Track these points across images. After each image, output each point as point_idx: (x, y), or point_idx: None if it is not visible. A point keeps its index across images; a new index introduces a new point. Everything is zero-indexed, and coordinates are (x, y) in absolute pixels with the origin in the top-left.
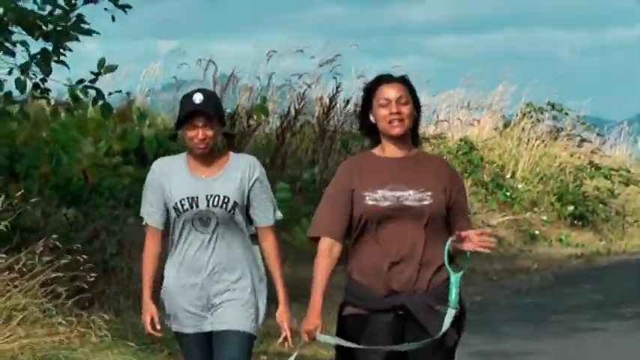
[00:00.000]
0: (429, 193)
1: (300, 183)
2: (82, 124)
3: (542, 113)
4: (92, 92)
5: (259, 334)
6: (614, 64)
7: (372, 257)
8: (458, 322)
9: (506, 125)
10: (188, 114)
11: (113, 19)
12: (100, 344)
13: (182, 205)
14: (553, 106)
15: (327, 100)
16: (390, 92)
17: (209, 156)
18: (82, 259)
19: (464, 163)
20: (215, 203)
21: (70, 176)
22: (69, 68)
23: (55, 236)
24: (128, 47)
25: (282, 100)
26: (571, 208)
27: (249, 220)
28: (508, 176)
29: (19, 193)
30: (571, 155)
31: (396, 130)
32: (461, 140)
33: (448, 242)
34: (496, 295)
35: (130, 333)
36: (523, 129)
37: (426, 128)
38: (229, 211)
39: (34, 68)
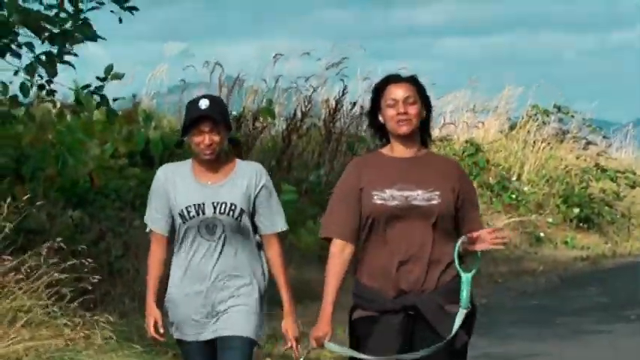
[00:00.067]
0: (438, 193)
1: (306, 185)
2: (87, 126)
3: (547, 116)
4: (97, 97)
5: (262, 340)
6: (620, 67)
7: (380, 258)
8: (468, 323)
9: (512, 127)
10: (194, 119)
11: (120, 20)
12: (104, 346)
13: (188, 212)
14: (559, 108)
15: (333, 103)
16: (398, 92)
17: (215, 162)
18: (87, 262)
19: (469, 165)
20: (222, 210)
21: (75, 178)
22: (74, 68)
23: (60, 238)
24: (134, 49)
25: (288, 103)
26: (577, 210)
27: (255, 228)
28: (514, 178)
29: (26, 196)
30: (577, 158)
31: (403, 130)
32: (467, 142)
33: (458, 243)
34: (501, 297)
35: (135, 335)
36: (529, 131)
37: (432, 130)
38: (236, 218)
39: (40, 70)
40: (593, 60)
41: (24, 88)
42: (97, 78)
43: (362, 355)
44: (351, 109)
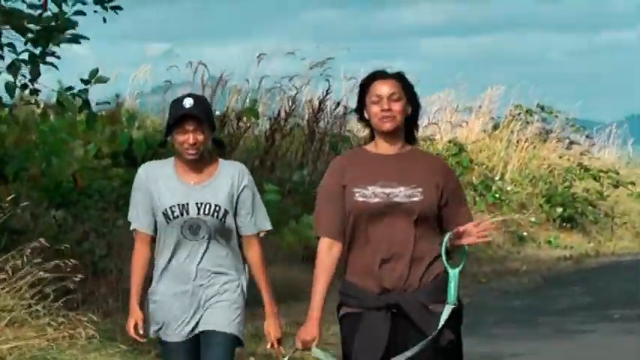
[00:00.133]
0: (420, 190)
1: (290, 185)
2: (71, 126)
3: (531, 115)
4: (79, 100)
5: (245, 337)
6: (604, 67)
7: (363, 256)
8: (455, 320)
9: (495, 127)
10: (178, 118)
11: (104, 20)
12: (88, 345)
13: (172, 212)
14: (542, 108)
15: (316, 103)
16: (383, 89)
17: (198, 162)
18: (70, 262)
19: (453, 165)
20: (206, 212)
21: (59, 179)
22: (57, 69)
23: (43, 238)
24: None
25: (271, 103)
26: (560, 209)
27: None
28: (497, 178)
29: (10, 197)
30: (560, 157)
31: (387, 126)
32: (450, 142)
33: (445, 239)
34: (485, 297)
35: (119, 334)
36: (512, 131)
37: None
38: (220, 219)
39: (23, 69)
40: (577, 60)
41: (9, 88)
42: (82, 80)
43: None
44: (335, 109)
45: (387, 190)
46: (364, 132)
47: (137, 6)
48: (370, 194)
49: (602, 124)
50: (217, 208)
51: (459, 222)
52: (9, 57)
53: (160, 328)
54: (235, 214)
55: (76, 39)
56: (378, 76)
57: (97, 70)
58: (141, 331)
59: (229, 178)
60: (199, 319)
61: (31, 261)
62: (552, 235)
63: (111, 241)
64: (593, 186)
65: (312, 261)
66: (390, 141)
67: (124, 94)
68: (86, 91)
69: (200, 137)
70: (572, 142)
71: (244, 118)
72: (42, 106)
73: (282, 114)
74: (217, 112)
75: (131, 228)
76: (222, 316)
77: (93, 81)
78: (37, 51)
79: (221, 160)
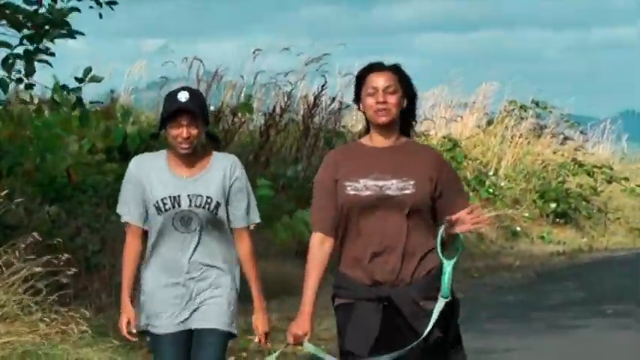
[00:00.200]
0: (412, 182)
1: (284, 180)
2: (65, 121)
3: (525, 111)
4: (73, 97)
5: (238, 332)
6: (601, 64)
7: (354, 250)
8: (450, 313)
9: (489, 123)
10: (173, 112)
11: (100, 16)
12: (80, 341)
13: (164, 205)
14: (537, 103)
15: (311, 98)
16: (379, 81)
17: (192, 156)
18: (63, 257)
19: (447, 160)
20: (198, 204)
21: (53, 174)
22: (52, 66)
23: (37, 233)
24: (113, 45)
25: (266, 98)
26: (553, 205)
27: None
28: (491, 173)
29: (4, 192)
30: (554, 153)
31: (382, 119)
32: (444, 137)
33: (441, 229)
34: (478, 292)
35: (111, 330)
36: (506, 127)
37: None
38: (212, 211)
39: (18, 64)
40: (573, 57)
41: (2, 84)
42: (76, 79)
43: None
44: (330, 105)
45: (380, 183)
46: (359, 127)
47: (132, 2)
48: (362, 187)
49: (596, 120)
50: (209, 200)
51: (455, 213)
52: (3, 52)
53: (150, 320)
54: (227, 206)
55: (71, 34)
56: (374, 68)
57: (90, 69)
58: (133, 330)
59: (221, 170)
60: (191, 313)
61: (23, 256)
62: (545, 230)
63: (104, 236)
64: (587, 181)
65: (305, 256)
66: (385, 134)
67: (118, 89)
68: (79, 89)
69: (194, 132)
70: (566, 138)
71: (239, 114)
72: (36, 101)
73: (277, 109)
74: (212, 108)
75: (122, 220)
76: (215, 314)
77: (87, 79)
78: (32, 47)
79: (215, 153)
